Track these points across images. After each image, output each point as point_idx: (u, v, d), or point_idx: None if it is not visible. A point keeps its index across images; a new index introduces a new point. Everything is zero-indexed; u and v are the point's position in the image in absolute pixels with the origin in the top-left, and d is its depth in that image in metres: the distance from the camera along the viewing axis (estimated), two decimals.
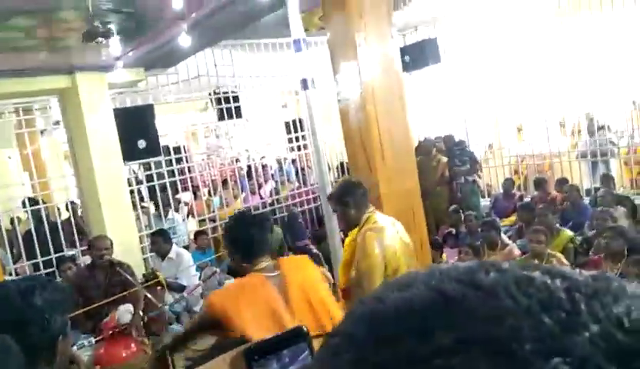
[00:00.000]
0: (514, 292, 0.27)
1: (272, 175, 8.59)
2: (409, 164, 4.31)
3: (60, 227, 6.08)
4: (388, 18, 4.11)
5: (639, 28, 6.46)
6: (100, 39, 3.46)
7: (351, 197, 2.75)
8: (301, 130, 7.84)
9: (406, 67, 7.01)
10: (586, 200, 6.48)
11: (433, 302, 0.28)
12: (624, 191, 6.92)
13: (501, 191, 7.47)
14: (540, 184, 6.83)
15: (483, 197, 7.83)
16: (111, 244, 4.62)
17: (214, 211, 7.21)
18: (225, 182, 7.86)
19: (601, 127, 7.33)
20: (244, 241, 2.34)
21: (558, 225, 5.15)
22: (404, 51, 7.06)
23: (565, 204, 6.20)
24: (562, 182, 6.76)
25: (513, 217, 6.54)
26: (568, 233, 5.00)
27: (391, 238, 2.65)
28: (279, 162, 8.28)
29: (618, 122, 7.56)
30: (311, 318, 2.27)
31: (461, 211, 6.46)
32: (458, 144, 7.40)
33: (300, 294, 2.28)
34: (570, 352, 0.24)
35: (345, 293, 2.70)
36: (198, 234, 6.73)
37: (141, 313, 4.35)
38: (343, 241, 4.60)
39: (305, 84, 3.90)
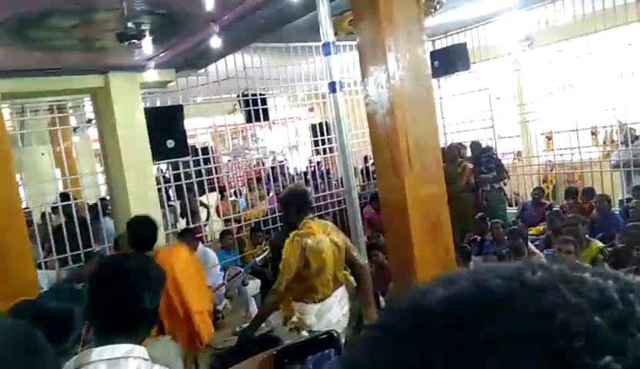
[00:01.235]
0: (563, 290, 0.26)
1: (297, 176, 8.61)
2: (437, 169, 4.26)
3: (89, 223, 6.22)
4: (419, 23, 4.08)
5: None
6: (134, 41, 3.52)
7: (295, 202, 3.25)
8: (328, 133, 7.86)
9: (435, 72, 6.97)
10: (617, 211, 6.33)
11: (478, 297, 0.27)
12: None
13: (530, 199, 7.34)
14: (571, 193, 6.70)
15: (510, 205, 7.71)
16: None
17: (239, 212, 7.28)
18: (258, 180, 7.96)
19: (636, 138, 7.16)
20: (138, 239, 3.30)
21: (587, 236, 5.04)
22: (433, 56, 7.02)
23: (593, 214, 6.06)
24: (588, 192, 6.62)
25: (540, 227, 6.42)
26: (598, 244, 4.89)
27: (319, 241, 3.13)
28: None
29: None
30: (165, 303, 3.10)
31: (487, 218, 6.37)
32: (485, 151, 7.30)
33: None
34: (623, 351, 0.23)
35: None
36: (223, 233, 6.79)
37: None
38: (368, 245, 4.62)
39: (333, 87, 3.90)
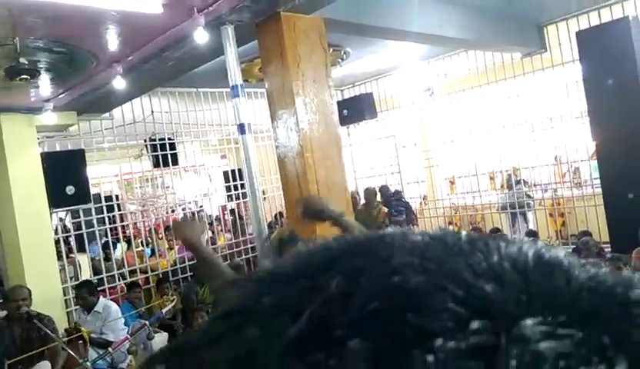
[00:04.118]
0: (394, 241, 0.27)
1: (210, 225, 8.39)
2: (346, 211, 4.33)
3: None
4: (325, 69, 4.22)
5: (561, 91, 6.98)
6: (25, 76, 3.31)
7: None
8: (241, 179, 7.78)
9: (344, 120, 7.20)
10: None
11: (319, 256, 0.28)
12: (549, 241, 7.26)
13: None
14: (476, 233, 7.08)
15: None
16: (29, 294, 4.30)
17: (146, 262, 6.92)
18: (167, 229, 7.65)
19: (518, 182, 7.76)
20: None
21: None
22: (342, 104, 7.27)
23: None
24: (494, 232, 7.03)
25: None
26: None
27: None
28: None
29: (542, 176, 8.03)
30: None
31: None
32: (394, 194, 7.57)
33: None
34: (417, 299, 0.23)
35: None
36: (130, 286, 6.39)
37: None
38: None
39: (242, 129, 3.89)
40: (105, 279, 6.31)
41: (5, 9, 3.03)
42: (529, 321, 0.21)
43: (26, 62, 3.33)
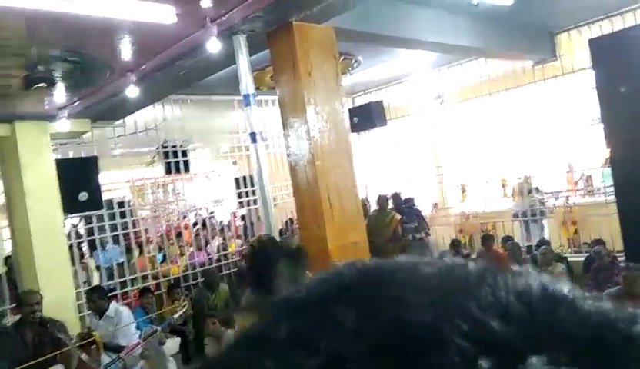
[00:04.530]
0: (404, 272, 0.28)
1: (221, 231, 8.44)
2: (357, 218, 4.34)
3: None
4: (336, 78, 4.24)
5: (572, 99, 6.95)
6: (41, 84, 3.37)
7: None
8: (251, 186, 7.81)
9: (355, 128, 7.22)
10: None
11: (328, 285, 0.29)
12: (562, 249, 7.19)
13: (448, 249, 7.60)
14: (487, 239, 7.01)
15: (431, 255, 7.94)
16: (41, 299, 4.35)
17: (157, 268, 6.96)
18: (179, 235, 7.70)
19: (530, 190, 7.71)
20: None
21: None
22: (352, 112, 7.28)
23: (508, 261, 6.36)
24: (506, 240, 6.97)
25: None
26: None
27: None
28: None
29: (555, 184, 7.98)
30: None
31: None
32: (406, 202, 7.54)
33: None
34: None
35: None
36: (142, 291, 6.44)
37: None
38: None
39: (253, 137, 3.92)
40: (119, 284, 6.38)
41: (21, 20, 3.10)
42: (534, 360, 0.22)
43: (42, 70, 3.39)
